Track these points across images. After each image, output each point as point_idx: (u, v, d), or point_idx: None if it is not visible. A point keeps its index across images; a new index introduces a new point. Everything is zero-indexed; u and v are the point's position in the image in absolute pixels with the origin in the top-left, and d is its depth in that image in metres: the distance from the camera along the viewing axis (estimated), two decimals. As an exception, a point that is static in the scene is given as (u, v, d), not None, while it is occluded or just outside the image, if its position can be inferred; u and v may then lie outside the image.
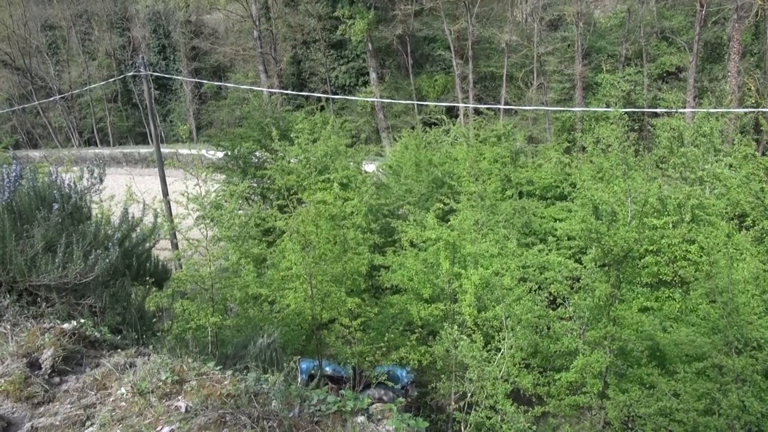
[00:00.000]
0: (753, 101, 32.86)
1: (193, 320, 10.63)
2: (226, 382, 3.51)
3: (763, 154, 22.01)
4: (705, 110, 15.65)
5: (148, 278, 6.31)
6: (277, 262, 12.24)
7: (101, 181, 6.25)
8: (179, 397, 3.34)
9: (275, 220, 13.65)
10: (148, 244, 6.71)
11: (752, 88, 33.58)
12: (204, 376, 3.52)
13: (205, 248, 10.59)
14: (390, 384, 14.53)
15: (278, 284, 11.24)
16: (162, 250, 13.65)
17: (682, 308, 12.00)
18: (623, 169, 10.37)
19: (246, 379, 3.52)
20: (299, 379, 15.13)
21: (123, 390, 3.45)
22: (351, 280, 11.22)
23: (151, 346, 4.11)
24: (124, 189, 12.35)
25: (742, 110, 24.59)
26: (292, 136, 18.46)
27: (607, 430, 9.04)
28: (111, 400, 3.43)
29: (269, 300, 11.64)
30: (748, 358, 7.73)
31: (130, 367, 3.74)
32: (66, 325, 4.22)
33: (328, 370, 13.81)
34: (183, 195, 11.61)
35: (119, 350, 4.04)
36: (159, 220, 12.37)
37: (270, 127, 19.66)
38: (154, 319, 6.27)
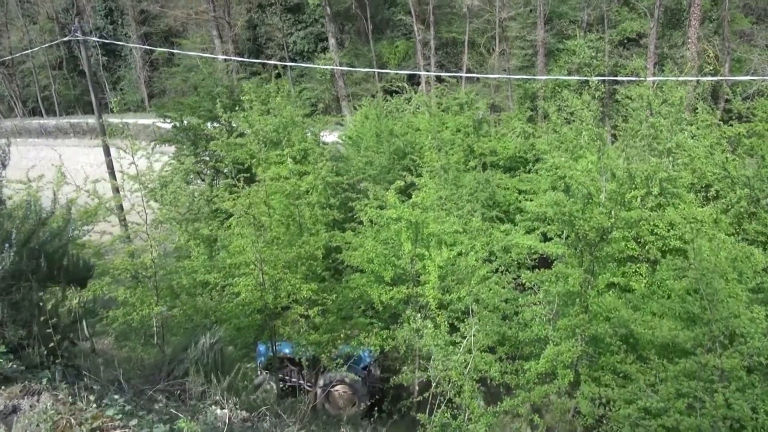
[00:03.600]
0: (711, 68, 32.94)
1: (135, 311, 9.81)
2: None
3: (722, 121, 21.95)
4: (674, 78, 15.29)
5: (62, 280, 5.44)
6: (228, 244, 11.41)
7: (3, 167, 5.31)
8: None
9: (222, 202, 12.73)
10: (64, 240, 5.81)
11: (711, 54, 33.63)
12: None
13: (145, 232, 9.69)
14: (352, 365, 14.05)
15: (227, 271, 10.44)
16: (104, 234, 12.68)
17: (649, 283, 11.73)
18: (598, 146, 9.83)
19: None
20: (258, 363, 14.51)
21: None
22: (306, 265, 10.50)
23: (45, 380, 3.34)
24: (55, 170, 11.28)
25: (712, 78, 24.48)
26: (243, 107, 17.40)
27: (578, 419, 8.70)
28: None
29: (221, 286, 10.85)
30: (735, 354, 7.27)
31: (13, 412, 2.97)
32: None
33: (287, 351, 13.19)
34: (121, 173, 10.62)
35: (2, 388, 3.26)
36: (95, 202, 11.43)
37: (221, 97, 18.49)
38: (70, 333, 5.42)
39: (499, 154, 19.11)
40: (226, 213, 13.26)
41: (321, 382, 13.72)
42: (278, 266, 9.47)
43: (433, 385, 8.56)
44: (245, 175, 12.76)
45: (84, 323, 11.31)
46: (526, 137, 19.28)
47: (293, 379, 14.42)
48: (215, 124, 18.80)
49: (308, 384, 14.11)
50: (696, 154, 14.89)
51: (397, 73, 33.75)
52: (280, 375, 14.53)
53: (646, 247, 12.08)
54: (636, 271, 12.24)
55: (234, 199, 11.57)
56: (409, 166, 18.41)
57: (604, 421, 8.09)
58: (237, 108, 17.42)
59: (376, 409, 11.17)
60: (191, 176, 19.30)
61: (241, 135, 17.04)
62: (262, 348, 13.62)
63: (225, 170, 18.96)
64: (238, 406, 5.05)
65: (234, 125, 18.09)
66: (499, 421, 9.22)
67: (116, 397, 4.48)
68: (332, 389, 13.88)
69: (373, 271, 11.28)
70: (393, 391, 12.48)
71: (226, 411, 4.89)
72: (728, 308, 7.62)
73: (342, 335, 10.31)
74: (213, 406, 4.99)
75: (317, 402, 13.21)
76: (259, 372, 14.00)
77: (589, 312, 8.90)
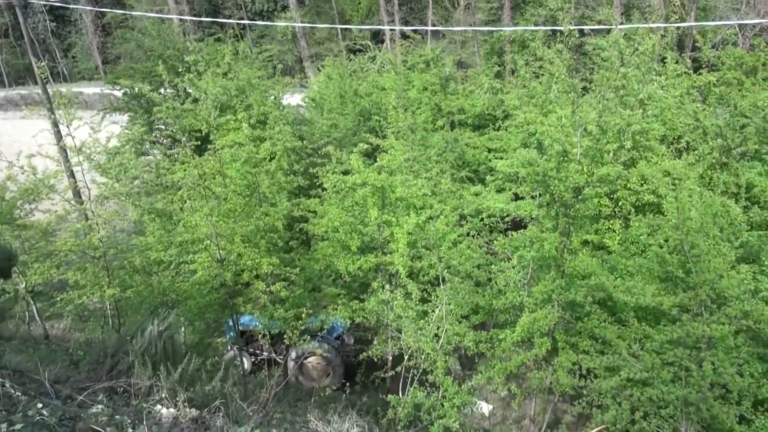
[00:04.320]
0: (677, 17, 32.54)
1: (86, 294, 9.17)
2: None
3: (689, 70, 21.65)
4: (642, 26, 14.81)
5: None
6: (182, 218, 10.74)
7: None
8: None
9: (170, 174, 11.89)
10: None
11: (677, 3, 33.23)
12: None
13: (90, 210, 8.97)
14: (324, 335, 13.64)
15: (182, 248, 9.79)
16: (48, 212, 11.86)
17: (622, 240, 11.47)
18: (572, 98, 9.31)
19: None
20: (228, 338, 14.03)
21: None
22: (266, 238, 9.90)
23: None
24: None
25: (682, 24, 24.03)
26: (191, 70, 16.35)
27: (556, 387, 8.45)
28: None
29: (176, 264, 10.21)
30: (723, 319, 6.93)
31: None
32: None
33: (255, 325, 12.73)
34: (59, 146, 9.81)
35: None
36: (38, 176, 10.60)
37: (172, 60, 17.40)
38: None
39: (467, 112, 18.56)
40: (174, 189, 12.54)
41: (293, 354, 13.34)
42: (236, 240, 8.87)
43: (406, 358, 8.19)
44: (197, 143, 11.94)
45: (35, 308, 10.64)
46: (494, 93, 18.73)
47: (264, 353, 14.02)
48: (168, 90, 17.74)
49: (280, 357, 13.73)
50: (666, 104, 14.55)
51: (360, 30, 32.63)
52: (251, 349, 14.11)
53: (620, 203, 11.78)
54: (609, 227, 11.96)
55: (184, 170, 10.82)
56: (376, 128, 17.75)
57: (585, 392, 7.83)
58: (182, 71, 16.32)
59: (347, 384, 10.78)
60: (147, 146, 18.34)
61: (196, 101, 16.10)
62: (231, 323, 13.16)
63: (182, 139, 18.06)
64: (187, 404, 4.55)
65: (189, 90, 17.09)
66: (476, 384, 8.95)
67: (39, 406, 3.94)
68: (305, 361, 13.52)
69: (339, 241, 10.76)
70: (367, 360, 12.18)
71: (173, 411, 4.40)
72: (714, 269, 7.30)
73: (308, 309, 9.80)
74: (159, 406, 4.50)
75: (290, 376, 12.84)
76: (229, 348, 13.59)
77: (565, 276, 8.55)
